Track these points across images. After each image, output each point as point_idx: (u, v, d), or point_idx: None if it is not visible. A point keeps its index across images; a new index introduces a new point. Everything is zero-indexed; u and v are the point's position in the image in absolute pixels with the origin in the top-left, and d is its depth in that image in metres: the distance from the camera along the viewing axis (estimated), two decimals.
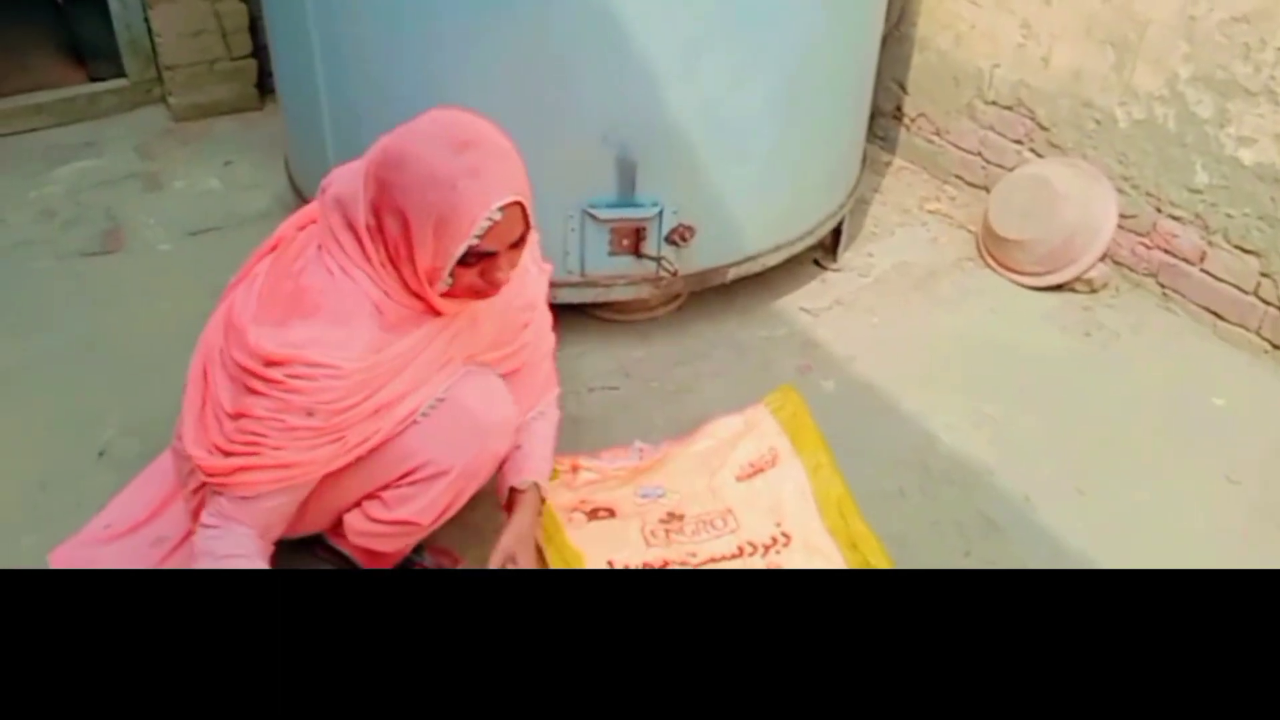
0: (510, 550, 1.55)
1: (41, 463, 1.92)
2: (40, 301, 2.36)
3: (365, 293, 1.34)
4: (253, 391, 1.33)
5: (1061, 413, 2.10)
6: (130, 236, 2.59)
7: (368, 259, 1.34)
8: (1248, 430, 2.07)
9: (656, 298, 2.31)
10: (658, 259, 2.12)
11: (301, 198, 2.43)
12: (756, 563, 1.72)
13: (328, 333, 1.32)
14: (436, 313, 1.40)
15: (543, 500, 1.64)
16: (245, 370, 1.34)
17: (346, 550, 1.68)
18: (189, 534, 1.74)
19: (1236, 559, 1.75)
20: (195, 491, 1.59)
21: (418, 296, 1.37)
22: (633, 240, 2.12)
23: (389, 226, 1.30)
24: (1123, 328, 2.37)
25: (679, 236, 2.12)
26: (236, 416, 1.36)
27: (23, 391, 2.10)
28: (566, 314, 2.06)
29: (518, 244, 1.33)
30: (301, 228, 1.52)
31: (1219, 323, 2.33)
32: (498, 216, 1.27)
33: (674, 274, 2.14)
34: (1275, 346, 2.23)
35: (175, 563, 1.74)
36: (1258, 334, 2.26)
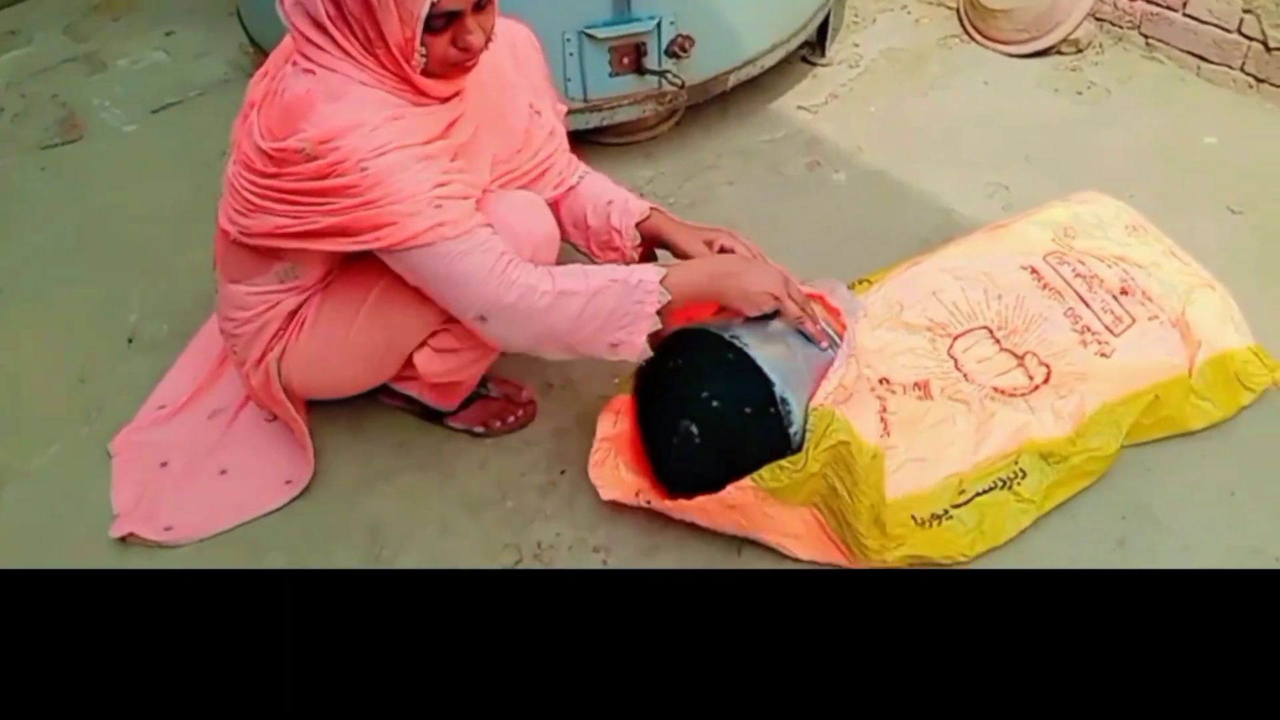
0: (712, 238, 1.60)
1: (74, 358, 1.88)
2: (17, 200, 2.25)
3: (355, 79, 1.32)
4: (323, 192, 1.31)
5: (1067, 171, 2.17)
6: (89, 122, 2.45)
7: (345, 51, 1.31)
8: (1241, 162, 2.17)
9: (657, 116, 2.28)
10: (662, 73, 2.08)
11: (266, 55, 2.29)
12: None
13: (330, 107, 1.30)
14: (426, 97, 1.37)
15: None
16: (299, 178, 1.32)
17: (414, 392, 1.70)
18: (245, 401, 1.76)
19: (1251, 277, 1.86)
20: (258, 362, 1.57)
21: (404, 81, 1.34)
22: (633, 57, 2.07)
23: (350, 8, 1.28)
24: (1111, 83, 2.43)
25: (679, 47, 2.07)
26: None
27: (31, 292, 2.03)
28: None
29: (482, 4, 1.31)
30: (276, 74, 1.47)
31: (1203, 65, 2.39)
32: None
33: (681, 86, 2.10)
34: (1259, 80, 2.31)
35: (238, 432, 1.74)
36: (1241, 70, 2.33)
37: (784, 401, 1.40)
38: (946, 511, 1.51)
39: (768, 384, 1.41)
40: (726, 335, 1.44)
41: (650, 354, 1.42)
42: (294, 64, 1.35)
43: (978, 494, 1.53)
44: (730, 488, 1.42)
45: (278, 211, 1.38)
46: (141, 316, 1.95)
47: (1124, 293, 1.75)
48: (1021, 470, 1.55)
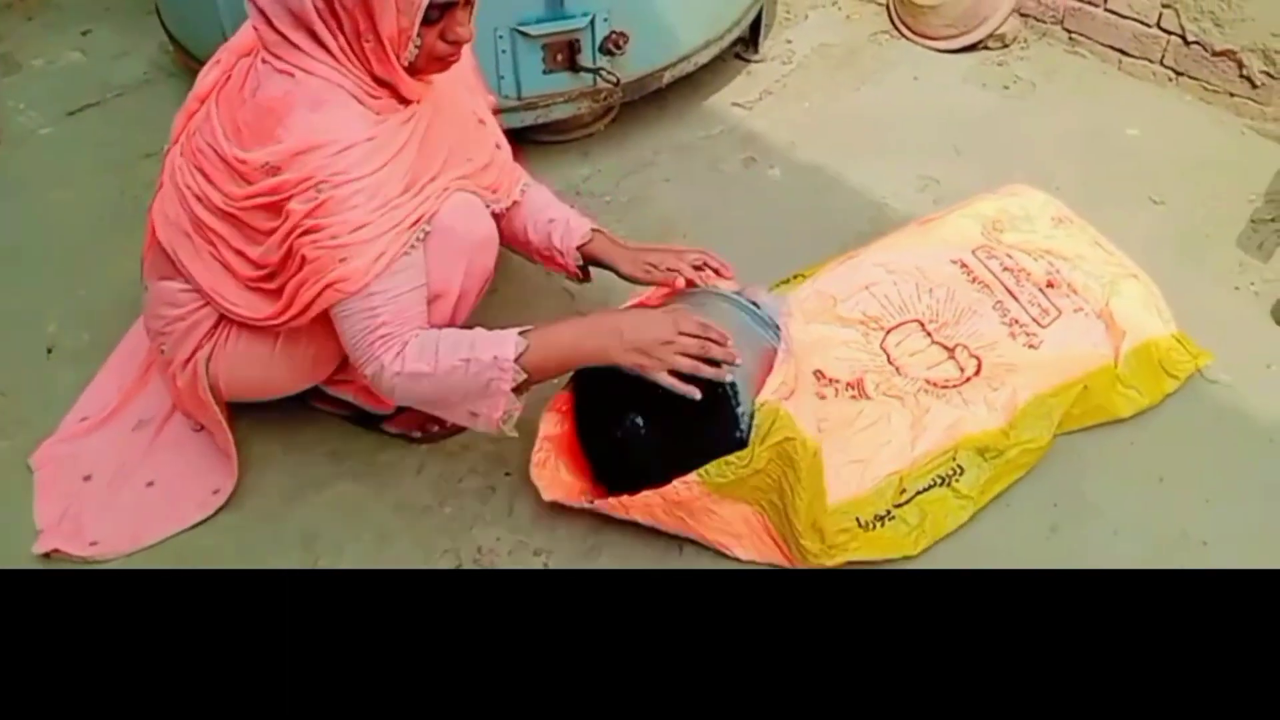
0: (655, 260, 1.58)
1: None
2: None
3: (335, 83, 1.30)
4: (278, 208, 1.30)
5: (994, 163, 2.20)
6: (3, 126, 2.36)
7: (326, 50, 1.29)
8: (1162, 154, 2.23)
9: (592, 113, 2.27)
10: (596, 70, 2.07)
11: (189, 54, 2.24)
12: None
13: (311, 118, 1.28)
14: (403, 100, 1.36)
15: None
16: (258, 196, 1.30)
17: (348, 395, 1.66)
18: (172, 411, 1.71)
19: (1173, 267, 1.92)
20: (186, 362, 1.54)
21: (382, 84, 1.33)
22: (567, 55, 2.05)
23: (343, 1, 1.25)
24: (1036, 77, 2.48)
25: (613, 44, 2.06)
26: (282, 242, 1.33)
27: None
28: None
29: None
30: (231, 67, 1.44)
31: (1124, 59, 2.45)
32: None
33: (616, 83, 2.09)
34: (1178, 73, 2.37)
35: (165, 443, 1.69)
36: (1160, 64, 2.39)
37: (732, 385, 1.40)
38: (889, 512, 1.52)
39: None
40: None
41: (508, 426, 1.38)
42: (264, 62, 1.32)
43: (918, 492, 1.54)
44: (676, 483, 1.41)
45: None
46: (61, 326, 1.89)
47: (1050, 285, 1.79)
48: (959, 467, 1.57)
